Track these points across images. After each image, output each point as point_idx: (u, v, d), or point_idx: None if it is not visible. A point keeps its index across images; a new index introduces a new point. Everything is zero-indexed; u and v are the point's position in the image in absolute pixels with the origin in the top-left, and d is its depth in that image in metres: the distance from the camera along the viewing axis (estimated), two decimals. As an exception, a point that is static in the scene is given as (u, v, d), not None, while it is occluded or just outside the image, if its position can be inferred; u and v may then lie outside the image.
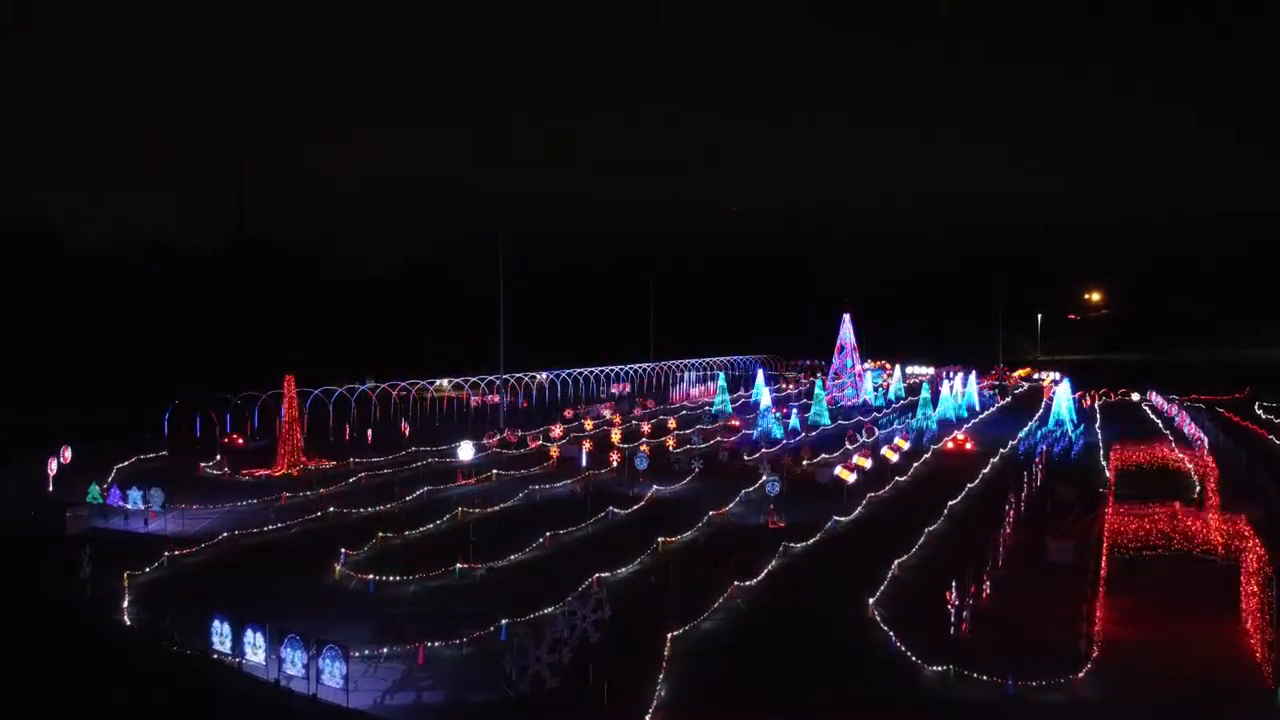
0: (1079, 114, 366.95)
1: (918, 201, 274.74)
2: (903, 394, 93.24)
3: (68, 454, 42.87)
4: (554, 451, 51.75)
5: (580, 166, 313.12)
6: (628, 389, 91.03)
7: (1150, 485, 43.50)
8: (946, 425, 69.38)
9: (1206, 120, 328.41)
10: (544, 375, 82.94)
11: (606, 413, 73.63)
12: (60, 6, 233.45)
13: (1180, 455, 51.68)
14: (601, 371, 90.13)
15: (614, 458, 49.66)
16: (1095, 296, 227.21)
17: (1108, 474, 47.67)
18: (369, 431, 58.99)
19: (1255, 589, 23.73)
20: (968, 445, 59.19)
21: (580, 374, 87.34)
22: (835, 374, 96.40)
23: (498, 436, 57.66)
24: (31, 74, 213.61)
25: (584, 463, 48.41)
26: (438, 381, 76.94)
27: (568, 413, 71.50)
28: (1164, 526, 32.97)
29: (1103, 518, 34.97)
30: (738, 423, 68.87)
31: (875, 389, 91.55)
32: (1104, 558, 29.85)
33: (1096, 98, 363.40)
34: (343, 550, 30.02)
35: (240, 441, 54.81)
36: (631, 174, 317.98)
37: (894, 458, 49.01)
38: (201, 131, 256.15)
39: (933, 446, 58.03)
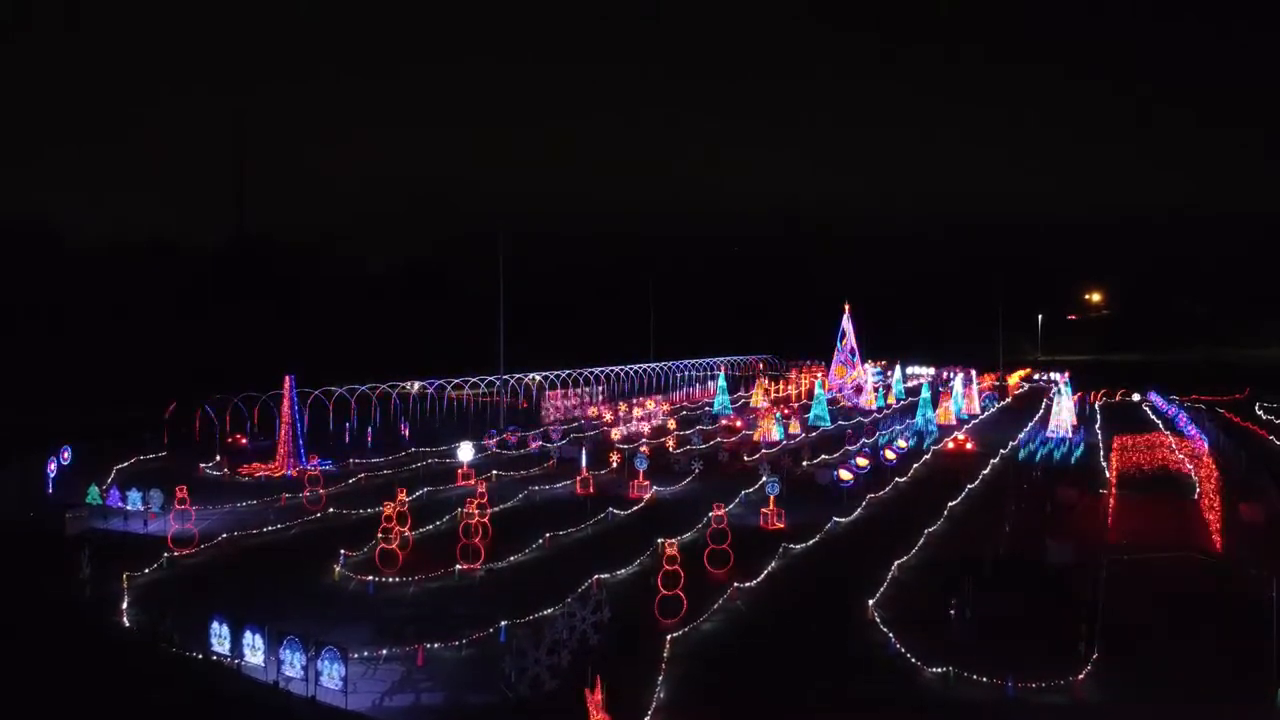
0: (1079, 114, 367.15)
1: (918, 201, 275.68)
2: (903, 395, 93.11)
3: (67, 454, 42.86)
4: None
5: (580, 166, 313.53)
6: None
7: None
8: (947, 427, 69.37)
9: (1206, 120, 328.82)
10: (537, 376, 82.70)
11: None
12: (60, 6, 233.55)
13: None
14: (601, 371, 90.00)
15: (614, 458, 49.65)
16: (1095, 296, 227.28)
17: (1108, 473, 47.70)
18: (369, 431, 58.98)
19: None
20: (968, 446, 59.18)
21: (580, 374, 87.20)
22: (836, 370, 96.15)
23: (497, 437, 57.65)
24: (31, 74, 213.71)
25: (584, 463, 48.36)
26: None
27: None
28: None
29: (1106, 506, 37.67)
30: (740, 423, 68.81)
31: (874, 389, 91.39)
32: (1105, 558, 29.84)
33: (1096, 98, 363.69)
34: (342, 551, 30.02)
35: (244, 441, 54.81)
36: (631, 174, 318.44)
37: (893, 458, 48.94)
38: (201, 131, 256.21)
39: (933, 448, 58.01)
